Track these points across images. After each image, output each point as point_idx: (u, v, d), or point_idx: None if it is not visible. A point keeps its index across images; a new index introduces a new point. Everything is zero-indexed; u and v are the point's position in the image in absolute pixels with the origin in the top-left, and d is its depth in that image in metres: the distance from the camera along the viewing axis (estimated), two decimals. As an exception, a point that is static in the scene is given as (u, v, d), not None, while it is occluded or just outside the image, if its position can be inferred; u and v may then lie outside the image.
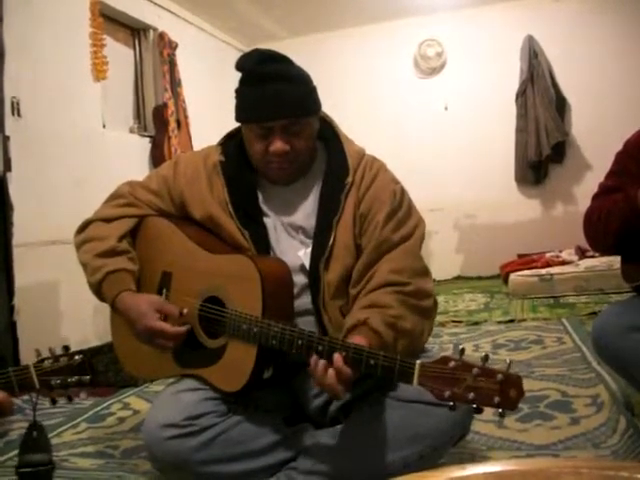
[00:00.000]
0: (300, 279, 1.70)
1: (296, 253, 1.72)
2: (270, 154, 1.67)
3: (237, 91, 1.72)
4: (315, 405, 1.73)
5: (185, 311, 1.67)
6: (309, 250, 1.71)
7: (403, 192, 1.76)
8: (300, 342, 1.46)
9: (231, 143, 1.83)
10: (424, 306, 1.63)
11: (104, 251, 1.75)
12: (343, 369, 1.36)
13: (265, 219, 1.76)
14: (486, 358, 1.25)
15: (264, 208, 1.77)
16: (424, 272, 1.70)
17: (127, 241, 1.81)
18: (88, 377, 1.52)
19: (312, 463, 1.59)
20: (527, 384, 2.46)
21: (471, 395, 1.23)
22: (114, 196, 1.90)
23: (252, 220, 1.74)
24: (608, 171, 1.99)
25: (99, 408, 2.67)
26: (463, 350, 1.28)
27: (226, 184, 1.76)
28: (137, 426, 2.36)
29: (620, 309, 1.92)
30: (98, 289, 1.74)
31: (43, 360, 1.51)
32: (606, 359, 1.94)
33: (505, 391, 1.21)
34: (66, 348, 1.56)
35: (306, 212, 1.76)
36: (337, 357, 1.36)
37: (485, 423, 2.11)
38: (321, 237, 1.70)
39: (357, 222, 1.70)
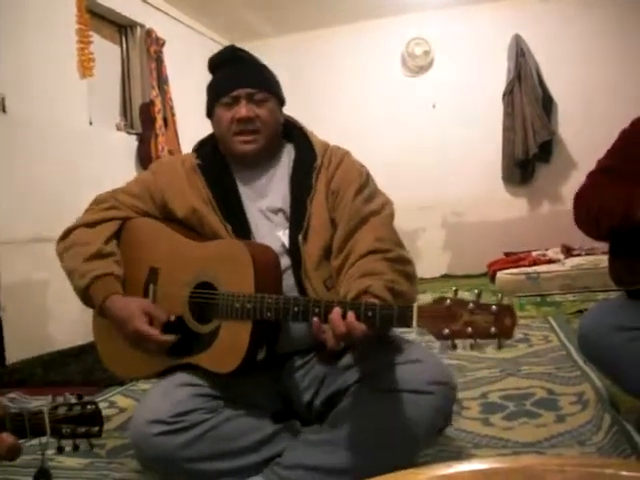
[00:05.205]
0: (283, 261, 1.73)
1: (275, 234, 1.78)
2: (236, 122, 1.79)
3: (207, 86, 1.89)
4: (302, 400, 1.75)
5: (173, 318, 1.69)
6: (287, 231, 1.78)
7: (369, 174, 1.86)
8: (296, 309, 1.49)
9: (205, 148, 1.94)
10: (409, 271, 1.68)
11: (90, 255, 1.76)
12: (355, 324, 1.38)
13: (245, 210, 1.82)
14: (479, 294, 1.31)
15: (243, 199, 1.84)
16: (402, 243, 1.76)
17: (113, 243, 1.83)
18: (97, 428, 1.53)
19: (296, 457, 1.60)
20: (513, 382, 2.49)
21: (469, 330, 1.29)
22: (96, 202, 1.93)
23: (233, 213, 1.80)
24: (610, 148, 1.95)
25: (85, 406, 2.66)
26: (457, 290, 1.33)
27: (207, 183, 1.83)
28: (123, 424, 2.35)
29: (606, 308, 1.92)
30: (85, 294, 1.74)
31: (57, 407, 1.52)
32: (591, 358, 1.95)
33: (500, 321, 1.28)
34: (79, 396, 1.57)
35: (282, 195, 1.83)
36: (350, 314, 1.38)
37: (471, 421, 2.13)
38: (297, 215, 1.77)
39: (329, 198, 1.79)
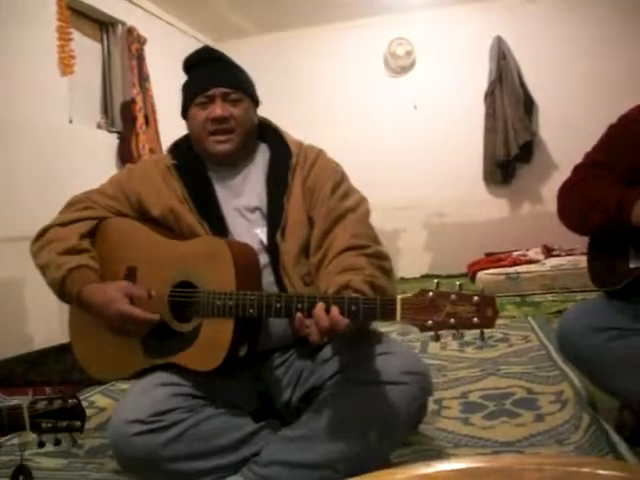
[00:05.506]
0: (261, 258, 1.74)
1: (253, 232, 1.79)
2: (211, 122, 1.80)
3: (182, 86, 1.91)
4: (282, 398, 1.76)
5: (154, 293, 1.69)
6: (265, 228, 1.79)
7: (343, 172, 1.89)
8: (279, 305, 1.50)
9: (179, 149, 1.94)
10: (387, 267, 1.69)
11: (65, 249, 1.75)
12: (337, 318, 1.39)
13: (222, 209, 1.83)
14: (460, 286, 1.33)
15: (219, 198, 1.85)
16: (378, 239, 1.78)
17: (88, 241, 1.83)
18: (79, 422, 1.51)
19: (273, 454, 1.60)
20: (493, 382, 2.50)
21: (452, 320, 1.31)
22: (70, 203, 1.93)
23: (210, 212, 1.81)
24: (597, 143, 1.96)
25: (64, 406, 2.64)
26: (439, 283, 1.35)
27: (183, 183, 1.84)
28: (102, 424, 2.34)
29: (585, 309, 1.93)
30: (61, 286, 1.72)
31: (37, 401, 1.49)
32: (570, 358, 1.96)
33: (482, 311, 1.30)
34: (61, 391, 1.55)
35: (258, 194, 1.85)
36: (333, 309, 1.38)
37: (451, 420, 2.14)
38: (274, 213, 1.79)
39: (306, 196, 1.81)
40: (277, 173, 1.84)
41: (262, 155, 1.92)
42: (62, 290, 1.74)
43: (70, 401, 1.53)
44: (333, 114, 6.30)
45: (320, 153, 1.90)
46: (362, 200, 1.83)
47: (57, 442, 1.51)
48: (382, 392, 1.54)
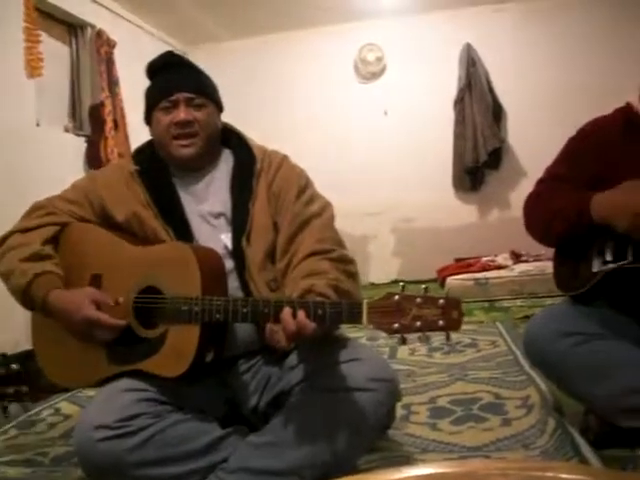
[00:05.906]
0: (227, 263, 1.74)
1: (218, 237, 1.79)
2: (175, 126, 1.80)
3: (145, 92, 1.90)
4: (249, 405, 1.75)
5: (121, 300, 1.68)
6: (230, 234, 1.79)
7: (308, 177, 1.91)
8: (245, 310, 1.50)
9: (142, 154, 1.94)
10: (352, 271, 1.71)
11: (29, 255, 1.73)
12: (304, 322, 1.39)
13: (186, 214, 1.83)
14: (426, 289, 1.35)
15: (183, 204, 1.84)
16: (343, 243, 1.80)
17: (51, 247, 1.81)
18: (26, 388, 1.48)
19: (240, 461, 1.60)
20: (461, 387, 2.52)
21: (418, 323, 1.32)
22: (32, 209, 1.90)
23: (174, 217, 1.81)
24: (558, 157, 2.00)
25: (29, 414, 2.59)
26: (404, 286, 1.37)
27: (146, 188, 1.84)
28: (68, 432, 2.31)
29: (551, 314, 1.95)
30: (26, 292, 1.70)
31: None
32: (536, 364, 1.99)
33: (448, 313, 1.32)
34: (4, 356, 1.51)
35: (223, 199, 1.85)
36: (300, 313, 1.39)
37: (419, 426, 2.14)
38: (239, 218, 1.79)
39: (272, 201, 1.82)
40: (242, 179, 1.84)
41: (226, 161, 1.92)
42: (26, 296, 1.71)
43: (14, 366, 1.49)
44: (303, 120, 6.31)
45: (284, 158, 1.91)
46: (327, 205, 1.84)
47: (4, 409, 1.48)
48: (350, 399, 1.54)
